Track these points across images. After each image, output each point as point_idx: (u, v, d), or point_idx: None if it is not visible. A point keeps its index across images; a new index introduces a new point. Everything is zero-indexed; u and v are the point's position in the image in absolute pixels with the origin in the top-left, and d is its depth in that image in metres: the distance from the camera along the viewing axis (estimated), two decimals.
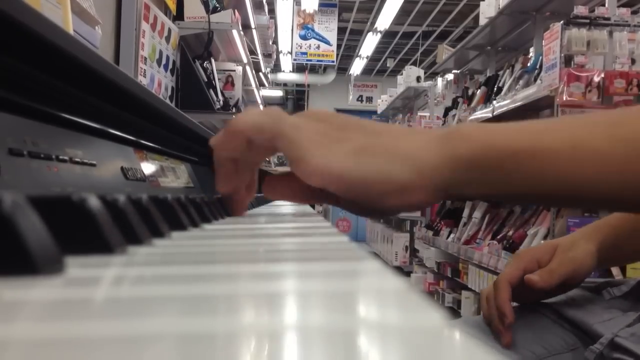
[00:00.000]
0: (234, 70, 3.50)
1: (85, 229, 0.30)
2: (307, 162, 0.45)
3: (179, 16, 2.89)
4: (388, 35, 8.73)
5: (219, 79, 3.19)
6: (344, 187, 0.45)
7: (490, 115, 3.55)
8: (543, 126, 0.46)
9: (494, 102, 3.56)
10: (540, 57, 3.07)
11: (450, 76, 5.18)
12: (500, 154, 0.44)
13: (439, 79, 5.51)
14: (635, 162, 0.43)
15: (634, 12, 2.84)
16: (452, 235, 4.21)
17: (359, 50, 9.66)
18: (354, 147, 0.45)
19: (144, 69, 2.31)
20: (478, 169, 0.44)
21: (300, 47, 8.72)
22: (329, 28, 8.59)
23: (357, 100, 11.47)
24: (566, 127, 0.45)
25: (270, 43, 6.50)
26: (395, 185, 0.44)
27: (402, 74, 6.82)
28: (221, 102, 3.00)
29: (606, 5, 2.89)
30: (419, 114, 6.64)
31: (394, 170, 0.44)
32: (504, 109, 3.33)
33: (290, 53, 9.21)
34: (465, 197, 0.47)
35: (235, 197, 0.57)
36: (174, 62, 2.76)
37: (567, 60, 2.72)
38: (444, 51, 5.45)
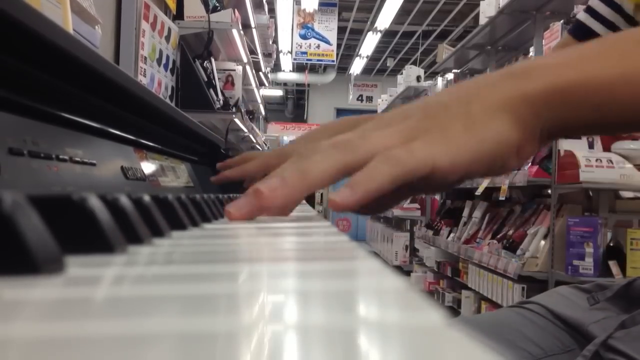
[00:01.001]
0: (234, 70, 3.50)
1: (85, 229, 0.30)
2: (440, 168, 0.42)
3: (179, 15, 2.89)
4: (388, 34, 8.73)
5: (219, 79, 3.19)
6: (477, 169, 0.44)
7: None
8: (622, 49, 0.45)
9: None
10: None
11: (450, 76, 5.18)
12: (595, 88, 0.43)
13: (439, 79, 5.51)
14: None
15: None
16: (452, 235, 4.21)
17: (359, 50, 9.66)
18: (461, 124, 0.43)
19: (144, 69, 2.31)
20: (577, 105, 0.44)
21: (300, 47, 8.72)
22: (329, 27, 8.59)
23: (357, 99, 11.47)
24: (617, 49, 0.45)
25: (270, 42, 6.50)
26: (509, 148, 0.43)
27: (402, 74, 6.82)
28: (221, 102, 3.00)
29: (588, 2, 2.89)
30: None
31: (505, 132, 0.43)
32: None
33: (290, 52, 9.21)
34: (566, 134, 0.48)
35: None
36: (174, 61, 2.76)
37: None
38: (444, 50, 5.44)
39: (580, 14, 0.92)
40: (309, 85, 11.30)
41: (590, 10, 0.89)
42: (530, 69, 0.45)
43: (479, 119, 0.43)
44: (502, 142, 0.43)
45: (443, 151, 0.42)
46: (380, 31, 8.31)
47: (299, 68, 10.58)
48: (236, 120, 3.21)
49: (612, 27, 0.86)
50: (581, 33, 0.89)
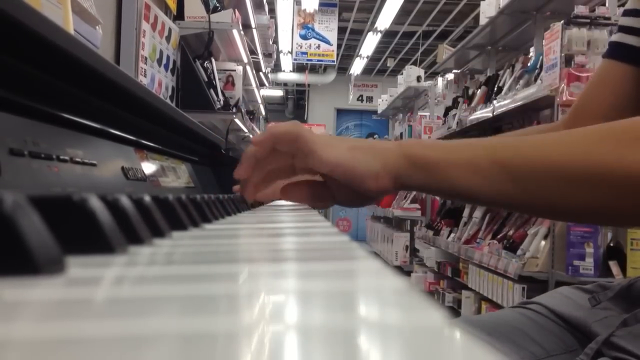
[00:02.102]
0: (235, 70, 3.50)
1: (86, 229, 0.30)
2: (319, 154, 0.66)
3: (179, 16, 2.89)
4: (388, 34, 8.73)
5: (219, 79, 3.19)
6: (341, 172, 0.65)
7: (490, 114, 3.55)
8: (457, 146, 0.66)
9: (494, 101, 3.55)
10: (541, 57, 3.07)
11: (450, 76, 5.18)
12: (427, 161, 0.64)
13: (439, 79, 5.51)
14: (504, 179, 0.62)
15: None
16: (452, 235, 4.21)
17: (359, 50, 9.66)
18: (350, 146, 0.67)
19: (145, 69, 2.31)
20: (415, 168, 0.65)
21: (301, 47, 8.72)
22: (329, 28, 8.59)
23: (358, 100, 11.47)
24: (467, 147, 0.65)
25: (271, 43, 6.50)
26: (371, 172, 0.64)
27: (402, 74, 6.82)
28: (221, 102, 3.00)
29: (606, 5, 2.89)
30: (419, 113, 6.63)
31: (371, 163, 0.65)
32: (504, 108, 3.33)
33: (291, 53, 9.21)
34: (411, 188, 0.67)
35: (250, 182, 0.72)
36: (174, 61, 2.76)
37: (568, 60, 2.72)
38: (444, 51, 5.45)
39: (613, 36, 0.92)
40: (309, 85, 11.29)
41: (623, 29, 0.90)
42: (404, 143, 0.67)
43: (361, 150, 0.66)
44: (366, 165, 0.65)
45: (326, 149, 0.66)
46: (380, 31, 8.31)
47: (299, 68, 10.57)
48: (236, 120, 3.21)
49: None
50: (621, 53, 0.90)
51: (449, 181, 0.64)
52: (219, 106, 2.92)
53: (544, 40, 2.96)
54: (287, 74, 10.83)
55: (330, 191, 0.72)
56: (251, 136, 4.36)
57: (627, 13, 0.90)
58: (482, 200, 0.66)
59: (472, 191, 0.63)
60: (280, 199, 0.74)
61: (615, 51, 0.90)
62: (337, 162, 0.65)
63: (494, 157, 0.63)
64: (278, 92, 11.95)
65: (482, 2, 4.02)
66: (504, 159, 0.62)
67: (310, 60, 8.90)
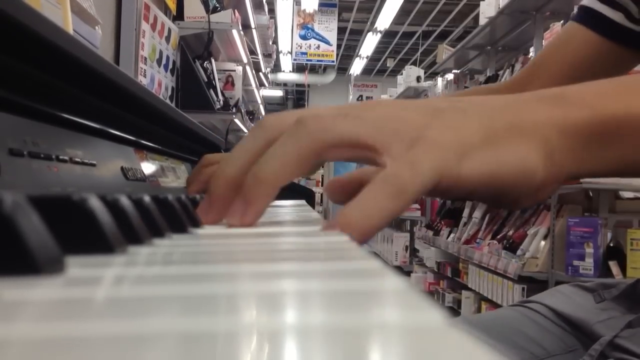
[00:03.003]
0: (234, 70, 3.50)
1: (85, 229, 0.30)
2: (451, 174, 0.35)
3: (179, 16, 2.89)
4: (388, 35, 8.74)
5: (219, 79, 3.19)
6: (487, 195, 0.38)
7: None
8: None
9: None
10: None
11: (450, 76, 5.19)
12: (631, 121, 0.38)
13: (439, 79, 5.51)
14: None
15: None
16: (452, 235, 4.21)
17: (358, 50, 9.66)
18: (481, 136, 0.36)
19: (144, 69, 2.31)
20: (608, 142, 0.38)
21: (300, 47, 8.72)
22: (328, 28, 8.59)
23: (357, 100, 11.47)
24: None
25: (270, 43, 6.50)
26: (533, 185, 0.37)
27: (402, 74, 6.83)
28: (221, 102, 3.00)
29: None
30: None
31: (530, 162, 0.36)
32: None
33: (290, 53, 9.21)
34: (587, 176, 0.42)
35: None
36: (174, 62, 2.76)
37: None
38: (444, 51, 5.45)
39: (583, 0, 0.89)
40: (308, 85, 11.30)
41: None
42: (566, 96, 0.39)
43: (502, 136, 0.36)
44: (526, 173, 0.37)
45: (453, 159, 0.35)
46: (380, 31, 8.31)
47: (298, 68, 10.58)
48: (236, 120, 3.21)
49: (617, 7, 0.84)
50: (588, 18, 0.87)
51: None
52: (218, 106, 2.92)
53: (543, 40, 2.96)
54: (287, 74, 10.83)
55: None
56: None
57: None
58: None
59: None
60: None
61: (584, 17, 0.88)
62: (483, 179, 0.36)
63: None
64: (278, 93, 11.96)
65: (481, 2, 4.03)
66: None
67: (310, 60, 8.91)
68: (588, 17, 0.87)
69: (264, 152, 0.40)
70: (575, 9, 0.92)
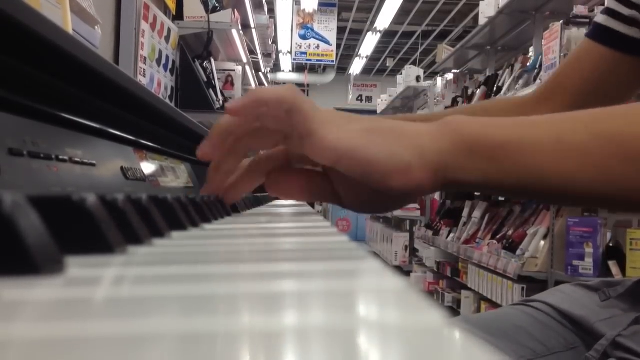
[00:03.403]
0: (234, 70, 3.50)
1: (85, 229, 0.30)
2: (321, 137, 0.47)
3: (178, 16, 2.89)
4: (387, 34, 8.74)
5: (218, 79, 3.19)
6: (353, 164, 0.47)
7: None
8: (531, 121, 0.49)
9: None
10: (540, 57, 3.07)
11: (449, 76, 5.19)
12: (492, 143, 0.47)
13: (439, 79, 5.51)
14: (613, 158, 0.44)
15: None
16: (451, 235, 4.21)
17: (358, 50, 9.66)
18: (365, 127, 0.48)
19: (144, 69, 2.31)
20: (472, 156, 0.47)
21: (300, 47, 8.72)
22: (328, 28, 8.59)
23: (357, 99, 11.48)
24: (551, 122, 0.48)
25: (270, 43, 6.50)
26: (399, 165, 0.46)
27: (401, 74, 6.83)
28: (221, 102, 3.00)
29: (606, 5, 2.89)
30: (419, 113, 6.63)
31: (398, 151, 0.46)
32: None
33: (290, 53, 9.21)
34: (462, 184, 0.48)
35: (220, 171, 0.57)
36: (173, 61, 2.76)
37: None
38: (444, 51, 5.45)
39: (598, 16, 0.91)
40: (308, 85, 11.30)
41: (609, 12, 0.89)
42: (447, 120, 0.49)
43: (381, 132, 0.47)
44: (390, 154, 0.46)
45: (331, 130, 0.47)
46: (379, 31, 8.31)
47: (298, 68, 10.58)
48: None
49: (634, 23, 0.86)
50: (603, 36, 0.88)
51: (529, 169, 0.46)
52: (218, 106, 2.92)
53: (543, 40, 2.96)
54: (287, 74, 10.83)
55: (333, 188, 0.54)
56: None
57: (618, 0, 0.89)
58: (578, 193, 0.46)
59: (566, 180, 0.45)
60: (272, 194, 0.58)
61: (598, 33, 0.89)
62: (347, 149, 0.46)
63: (598, 130, 0.45)
64: None
65: (481, 2, 4.03)
66: (612, 131, 0.45)
67: (310, 60, 8.90)
68: (603, 34, 0.88)
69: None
70: (590, 27, 0.94)
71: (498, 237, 3.30)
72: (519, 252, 2.93)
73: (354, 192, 0.52)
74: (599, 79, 0.88)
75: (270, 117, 0.50)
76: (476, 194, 3.98)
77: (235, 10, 3.46)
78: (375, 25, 8.13)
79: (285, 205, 1.14)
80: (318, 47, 8.65)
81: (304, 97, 0.50)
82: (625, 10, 0.87)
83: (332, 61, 9.03)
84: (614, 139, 0.45)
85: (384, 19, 7.65)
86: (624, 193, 0.45)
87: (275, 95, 0.49)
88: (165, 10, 2.74)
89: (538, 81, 2.98)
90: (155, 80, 2.48)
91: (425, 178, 0.47)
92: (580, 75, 0.90)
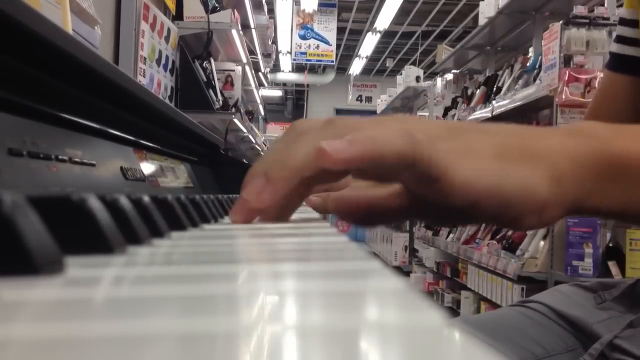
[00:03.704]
0: (234, 70, 3.50)
1: (85, 229, 0.30)
2: (452, 179, 0.37)
3: (178, 16, 2.89)
4: (387, 35, 8.74)
5: (218, 79, 3.19)
6: (490, 206, 0.38)
7: (489, 115, 3.55)
8: None
9: (493, 102, 3.56)
10: (540, 57, 3.07)
11: (449, 76, 5.19)
12: (630, 159, 0.39)
13: (439, 79, 5.51)
14: None
15: None
16: (451, 235, 4.21)
17: (358, 50, 9.66)
18: (494, 150, 0.38)
19: (144, 69, 2.31)
20: (616, 178, 0.39)
21: (300, 47, 8.72)
22: (328, 28, 8.59)
23: (357, 100, 11.48)
24: None
25: (270, 43, 6.50)
26: (536, 204, 0.38)
27: (401, 74, 6.83)
28: (220, 102, 3.00)
29: (605, 5, 2.90)
30: (419, 113, 6.64)
31: (534, 182, 0.38)
32: (503, 109, 3.33)
33: (290, 53, 9.21)
34: (597, 213, 0.41)
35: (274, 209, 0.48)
36: (173, 62, 2.76)
37: (567, 60, 2.72)
38: (444, 51, 5.45)
39: (611, 46, 0.92)
40: (308, 85, 11.30)
41: (619, 39, 0.90)
42: (581, 129, 0.41)
43: (512, 155, 0.38)
44: (528, 191, 0.38)
45: (462, 164, 0.37)
46: (379, 31, 8.31)
47: (298, 68, 10.58)
48: (235, 120, 3.21)
49: None
50: (620, 64, 0.90)
51: None
52: (218, 106, 2.92)
53: (543, 41, 2.96)
54: (286, 74, 10.83)
55: (402, 201, 0.43)
56: (250, 137, 4.33)
57: (622, 22, 0.90)
58: None
59: None
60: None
61: (616, 63, 0.90)
62: (483, 190, 0.37)
63: None
64: (277, 93, 11.95)
65: (481, 3, 4.03)
66: None
67: (310, 60, 8.90)
68: (620, 63, 0.89)
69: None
70: (605, 46, 0.96)
71: (498, 237, 3.30)
72: (518, 252, 2.93)
73: (435, 211, 0.43)
74: (630, 107, 0.88)
75: (386, 170, 0.39)
76: None
77: (235, 10, 3.46)
78: (375, 26, 8.13)
79: None
80: (318, 47, 8.65)
81: (423, 137, 0.38)
82: (632, 32, 0.87)
83: (332, 61, 9.03)
84: None
85: (384, 19, 7.65)
86: None
87: (394, 151, 0.37)
88: (165, 10, 2.74)
89: (538, 81, 2.98)
90: (155, 80, 2.48)
91: (559, 214, 0.39)
92: (614, 109, 0.90)
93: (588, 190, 0.39)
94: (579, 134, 0.41)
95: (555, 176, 0.38)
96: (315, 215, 0.73)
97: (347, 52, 10.37)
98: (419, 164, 0.37)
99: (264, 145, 5.74)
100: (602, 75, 2.60)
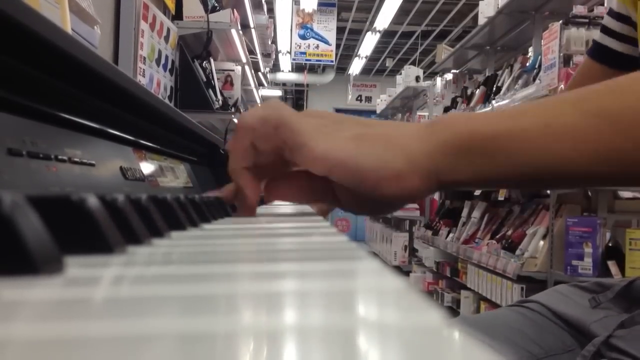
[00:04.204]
0: (233, 70, 3.50)
1: (84, 229, 0.30)
2: (311, 148, 0.48)
3: (177, 16, 2.89)
4: (387, 34, 8.74)
5: (217, 79, 3.19)
6: (344, 174, 0.48)
7: None
8: (519, 110, 0.48)
9: (493, 101, 3.56)
10: (539, 57, 3.07)
11: (449, 76, 5.19)
12: (482, 138, 0.46)
13: (438, 79, 5.51)
14: (605, 134, 0.44)
15: None
16: (451, 235, 4.22)
17: (358, 50, 9.66)
18: (353, 135, 0.48)
19: (143, 69, 2.31)
20: (464, 154, 0.47)
21: (299, 47, 8.72)
22: (327, 28, 8.59)
23: (356, 99, 11.47)
24: (539, 108, 0.47)
25: (269, 43, 6.50)
26: (390, 171, 0.46)
27: (401, 74, 6.83)
28: (220, 102, 3.00)
29: (605, 5, 2.90)
30: (418, 113, 6.64)
31: (388, 157, 0.47)
32: (503, 108, 3.33)
33: (289, 53, 9.21)
34: (457, 184, 0.48)
35: (249, 201, 0.59)
36: (173, 61, 2.76)
37: (566, 59, 2.72)
38: (443, 51, 5.45)
39: (597, 34, 0.93)
40: (307, 85, 11.29)
41: (603, 29, 0.91)
42: (440, 120, 0.49)
43: (370, 139, 0.48)
44: (381, 161, 0.47)
45: (322, 139, 0.48)
46: (379, 31, 8.31)
47: (297, 68, 10.57)
48: (235, 120, 3.21)
49: (625, 39, 0.88)
50: (599, 54, 0.91)
51: (522, 159, 0.45)
52: (217, 106, 2.92)
53: (542, 40, 2.96)
54: (286, 74, 10.83)
55: (332, 191, 0.54)
56: None
57: (610, 13, 0.91)
58: (575, 174, 0.45)
59: (561, 163, 0.45)
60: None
61: (596, 52, 0.92)
62: (336, 159, 0.47)
63: (586, 108, 0.45)
64: (277, 92, 11.95)
65: (480, 2, 4.03)
66: (600, 107, 0.44)
67: (309, 60, 8.90)
68: (600, 52, 0.91)
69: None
70: (590, 44, 0.97)
71: (497, 237, 3.30)
72: (518, 252, 2.93)
73: (351, 195, 0.52)
74: None
75: (263, 139, 0.52)
76: (475, 193, 3.98)
77: (235, 10, 3.46)
78: (374, 25, 8.13)
79: (285, 205, 1.14)
80: (317, 47, 8.65)
81: (287, 109, 0.52)
82: (616, 26, 0.88)
83: (332, 61, 9.03)
84: (604, 114, 0.44)
85: (384, 18, 7.65)
86: (622, 168, 0.44)
87: (258, 116, 0.52)
88: (165, 10, 2.74)
89: (537, 81, 2.98)
90: (155, 80, 2.48)
91: (417, 183, 0.47)
92: None
93: (439, 166, 0.47)
94: (435, 123, 0.48)
95: (407, 153, 0.47)
96: (309, 209, 0.73)
97: (346, 52, 10.37)
98: (282, 130, 0.49)
99: None
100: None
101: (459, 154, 0.47)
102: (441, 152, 0.47)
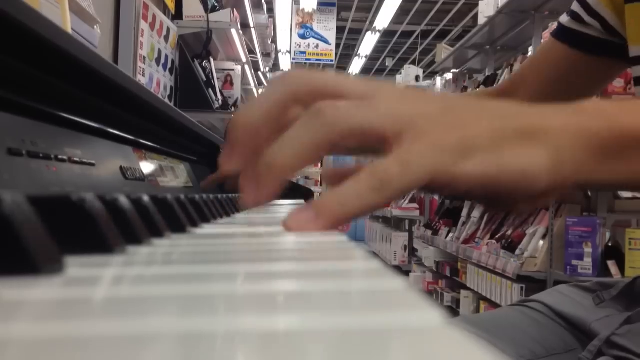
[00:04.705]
0: (233, 70, 3.50)
1: (84, 229, 0.30)
2: (445, 173, 0.36)
3: (177, 15, 2.89)
4: (387, 34, 8.74)
5: (217, 78, 3.19)
6: (485, 191, 0.37)
7: None
8: None
9: None
10: None
11: (449, 75, 5.19)
12: (636, 135, 0.39)
13: (438, 78, 5.51)
14: None
15: None
16: (450, 235, 4.21)
17: (357, 50, 9.66)
18: (490, 136, 0.36)
19: (143, 68, 2.31)
20: (615, 152, 0.39)
21: (299, 47, 8.72)
22: (327, 27, 8.59)
23: None
24: None
25: (269, 42, 6.50)
26: (534, 192, 0.37)
27: (401, 73, 6.83)
28: (220, 102, 3.00)
29: (571, 7, 2.89)
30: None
31: (535, 170, 0.36)
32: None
33: (289, 52, 9.21)
34: (594, 184, 0.41)
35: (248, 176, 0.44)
36: (172, 61, 2.76)
37: None
38: (443, 50, 5.45)
39: (562, 17, 0.93)
40: None
41: (572, 14, 0.91)
42: (584, 108, 0.40)
43: (510, 140, 0.36)
44: (527, 180, 0.37)
45: (451, 160, 0.35)
46: (379, 31, 8.32)
47: (297, 68, 10.57)
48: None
49: (594, 30, 0.87)
50: (563, 34, 0.91)
51: None
52: (217, 106, 2.92)
53: (542, 40, 2.96)
54: None
55: None
56: None
57: (580, 2, 0.91)
58: None
59: None
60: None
61: (561, 33, 0.92)
62: (481, 182, 0.36)
63: None
64: None
65: (480, 2, 4.03)
66: None
67: (309, 59, 8.90)
68: (566, 34, 0.91)
69: (282, 105, 0.39)
70: (555, 25, 0.96)
71: (497, 236, 3.30)
72: (518, 251, 2.93)
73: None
74: (561, 77, 0.90)
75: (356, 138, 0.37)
76: None
77: (235, 9, 3.46)
78: (374, 25, 8.13)
79: (285, 205, 1.15)
80: (317, 46, 8.65)
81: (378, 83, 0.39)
82: (586, 17, 0.88)
83: (332, 61, 9.03)
84: None
85: (383, 18, 7.66)
86: None
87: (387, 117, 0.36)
88: (165, 9, 2.74)
89: None
90: (155, 79, 2.48)
91: (560, 191, 0.39)
92: (544, 72, 0.92)
93: (592, 169, 0.38)
94: (581, 112, 0.39)
95: (558, 161, 0.37)
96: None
97: (346, 52, 10.37)
98: (399, 193, 0.36)
99: None
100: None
101: (616, 155, 0.39)
102: (598, 156, 0.38)
